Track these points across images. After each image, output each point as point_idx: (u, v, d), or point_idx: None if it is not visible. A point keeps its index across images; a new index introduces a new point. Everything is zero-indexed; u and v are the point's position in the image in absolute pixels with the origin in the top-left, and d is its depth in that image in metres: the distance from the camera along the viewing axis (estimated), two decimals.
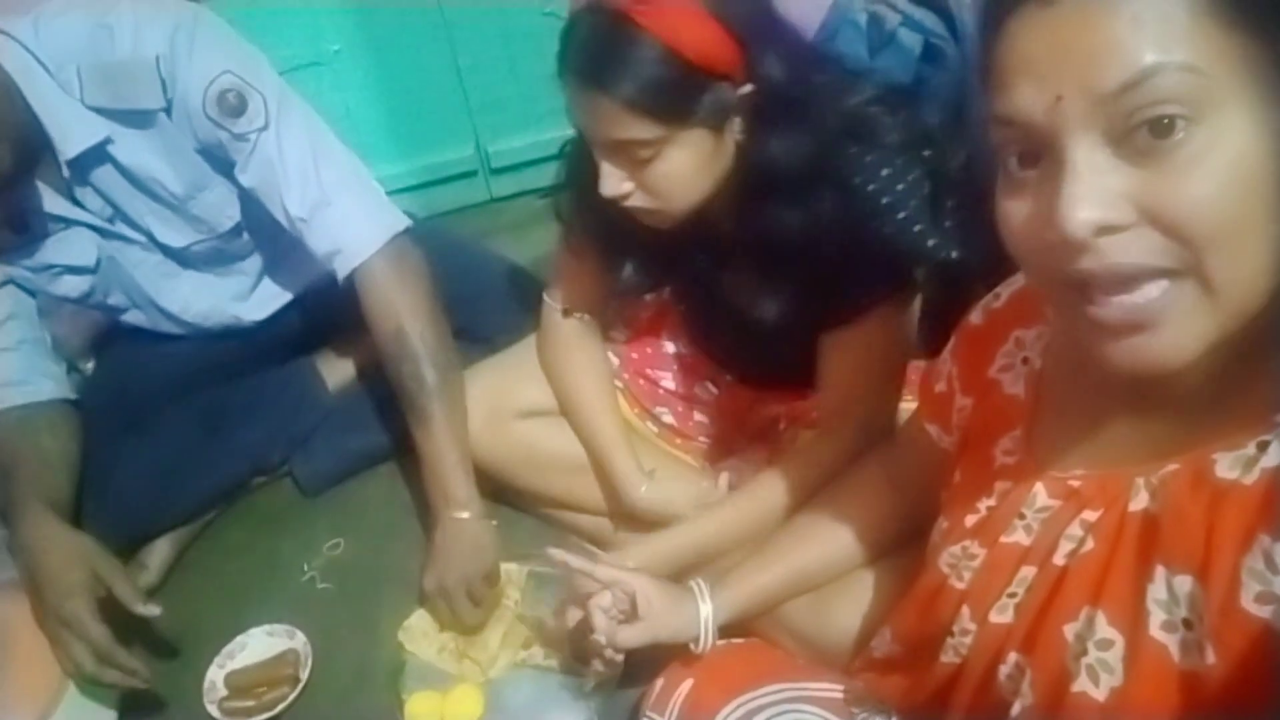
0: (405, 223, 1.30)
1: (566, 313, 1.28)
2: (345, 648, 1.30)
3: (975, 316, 0.79)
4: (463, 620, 1.22)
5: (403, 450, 1.56)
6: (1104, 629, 0.59)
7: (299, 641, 1.29)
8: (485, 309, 1.39)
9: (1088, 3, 0.48)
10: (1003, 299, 0.77)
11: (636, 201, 0.96)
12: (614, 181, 0.94)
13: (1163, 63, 0.46)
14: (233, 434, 1.53)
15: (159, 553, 1.46)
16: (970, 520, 0.73)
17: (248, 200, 1.32)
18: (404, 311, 1.25)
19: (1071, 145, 0.49)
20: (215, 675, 1.27)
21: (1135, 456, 0.61)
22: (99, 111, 1.18)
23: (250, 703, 1.23)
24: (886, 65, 1.60)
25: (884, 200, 0.95)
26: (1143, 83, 0.47)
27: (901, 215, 0.95)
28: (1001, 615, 0.68)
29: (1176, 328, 0.50)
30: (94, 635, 1.11)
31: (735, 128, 0.93)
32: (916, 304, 1.08)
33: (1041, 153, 0.51)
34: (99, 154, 1.21)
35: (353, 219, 1.27)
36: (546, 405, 1.32)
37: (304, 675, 1.26)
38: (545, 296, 1.30)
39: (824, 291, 0.99)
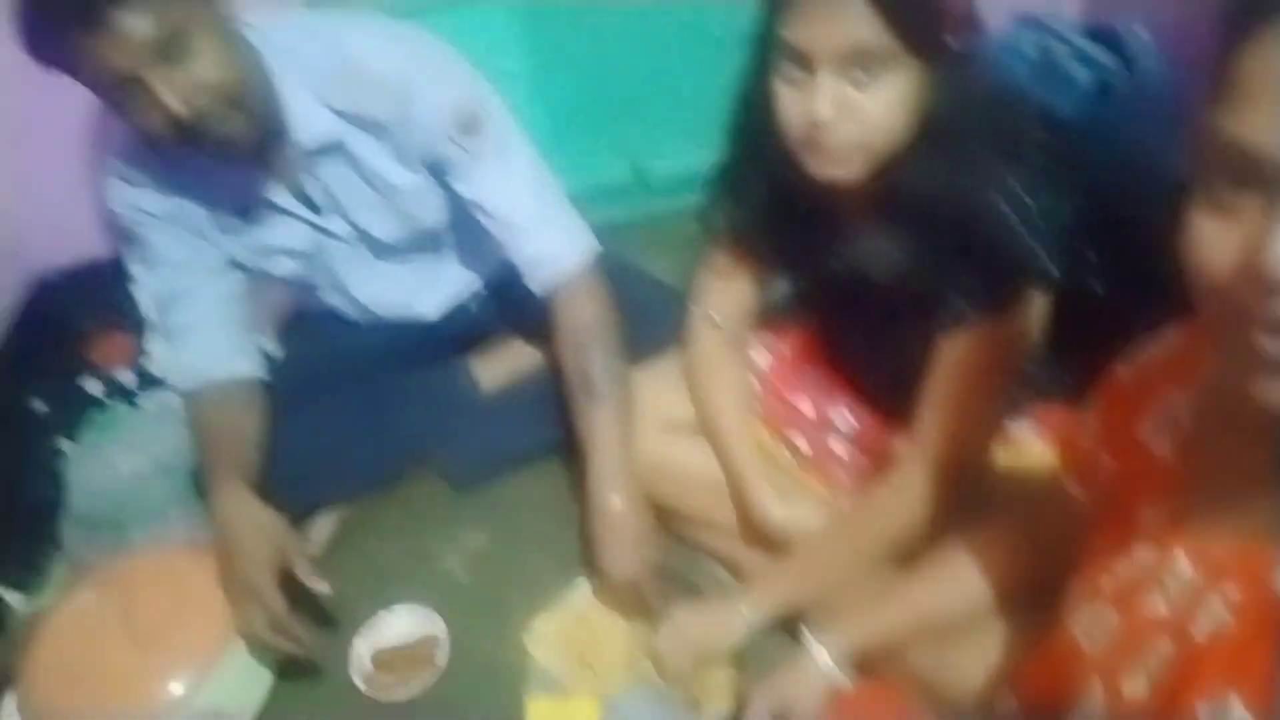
0: (597, 247, 1.42)
1: (711, 323, 1.31)
2: (476, 641, 1.37)
3: (1123, 372, 0.77)
4: (650, 609, 1.25)
5: (547, 454, 1.64)
6: (1239, 711, 0.57)
7: (439, 629, 1.37)
8: (633, 324, 1.44)
9: None
10: (1153, 356, 0.75)
11: (840, 133, 0.95)
12: (829, 101, 0.93)
13: None
14: (394, 422, 1.63)
15: (320, 528, 1.58)
16: (1107, 584, 0.71)
17: (455, 205, 1.44)
18: (595, 317, 1.36)
19: None
20: (362, 649, 1.36)
21: None
22: (339, 114, 1.30)
23: (392, 679, 1.31)
24: (1057, 100, 1.56)
25: (1015, 203, 0.96)
26: None
27: (1026, 227, 0.96)
28: (1133, 686, 0.66)
29: None
30: (273, 605, 1.23)
31: (932, 77, 0.95)
32: (1028, 335, 1.06)
33: (1258, 183, 0.48)
34: (333, 149, 1.33)
35: (561, 235, 1.39)
36: (687, 420, 1.35)
37: (443, 661, 1.33)
38: (692, 308, 1.34)
39: (946, 275, 1.01)
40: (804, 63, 0.94)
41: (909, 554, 1.10)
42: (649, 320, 1.47)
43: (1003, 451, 1.15)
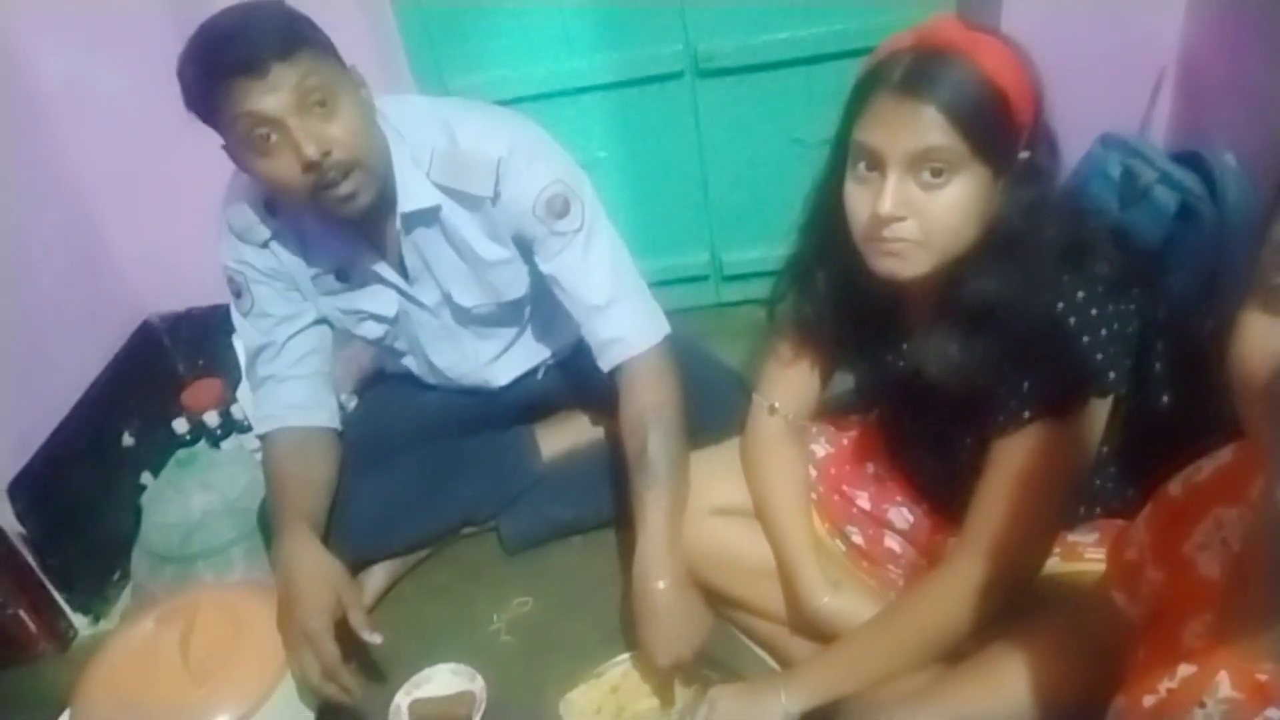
0: (667, 330, 1.47)
1: (772, 410, 1.32)
2: (514, 702, 1.38)
3: (1175, 487, 0.76)
4: (700, 685, 1.26)
5: (598, 526, 1.66)
6: None
7: (478, 685, 1.38)
8: (698, 405, 1.47)
9: None
10: (1205, 473, 0.74)
11: (906, 231, 0.99)
12: (896, 199, 0.97)
13: None
14: (454, 485, 1.68)
15: (374, 579, 1.62)
16: (1149, 701, 0.69)
17: (537, 281, 1.51)
18: (661, 397, 1.40)
19: None
20: (401, 700, 1.39)
21: None
22: (439, 186, 1.40)
23: None
24: (1137, 220, 1.56)
25: (1070, 315, 0.98)
26: None
27: (1088, 336, 0.97)
28: None
29: None
30: (327, 653, 1.27)
31: (1001, 186, 0.99)
32: (1089, 445, 1.04)
33: None
34: (429, 215, 1.43)
35: (635, 317, 1.45)
36: (740, 506, 1.35)
37: (476, 718, 1.34)
38: (754, 395, 1.36)
39: (1005, 378, 1.02)
40: (875, 162, 0.99)
41: (954, 653, 1.08)
42: (712, 403, 1.49)
43: (1060, 558, 1.13)
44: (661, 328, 1.47)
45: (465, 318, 1.57)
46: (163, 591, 1.65)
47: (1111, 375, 0.99)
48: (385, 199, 1.36)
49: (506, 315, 1.60)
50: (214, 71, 1.17)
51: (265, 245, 1.44)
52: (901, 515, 1.32)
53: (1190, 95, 1.70)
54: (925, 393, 1.12)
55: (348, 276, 1.49)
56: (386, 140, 1.35)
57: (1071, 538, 1.15)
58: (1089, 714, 0.79)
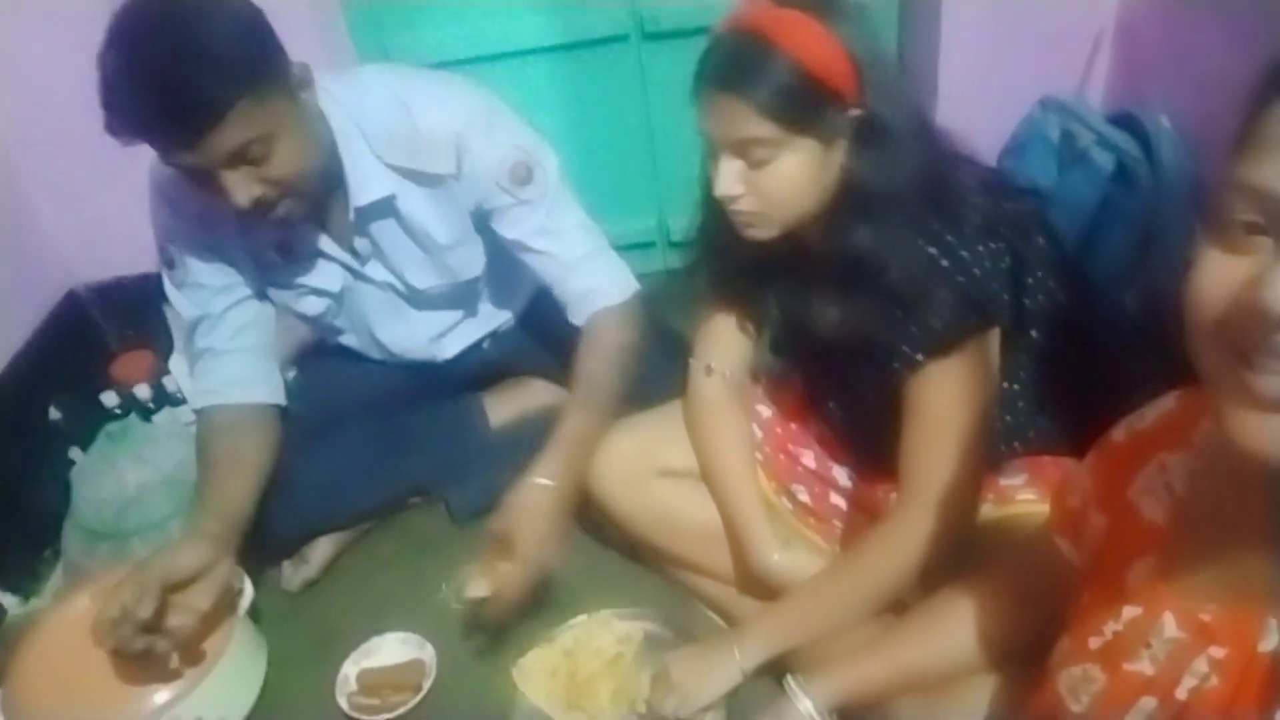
0: (637, 285, 1.49)
1: (709, 371, 1.33)
2: (465, 669, 1.37)
3: (1118, 434, 0.78)
4: (513, 583, 1.26)
5: None
6: None
7: (427, 653, 1.37)
8: (642, 370, 1.46)
9: None
10: (1149, 419, 0.76)
11: (746, 205, 1.05)
12: (730, 180, 1.03)
13: None
14: (401, 455, 1.66)
15: (320, 551, 1.59)
16: (1094, 643, 0.71)
17: (492, 255, 1.50)
18: (624, 340, 1.42)
19: None
20: (349, 670, 1.37)
21: (1270, 596, 0.59)
22: (395, 169, 1.36)
23: (375, 701, 1.32)
24: (1075, 181, 1.59)
25: (943, 258, 1.01)
26: None
27: (962, 275, 1.01)
28: None
29: None
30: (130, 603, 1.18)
31: (841, 148, 1.02)
32: (986, 374, 1.07)
33: (1270, 226, 0.50)
34: (384, 205, 1.39)
35: (606, 272, 1.46)
36: (686, 468, 1.36)
37: (426, 686, 1.33)
38: (690, 359, 1.36)
39: (888, 327, 1.05)
40: (712, 147, 1.05)
41: (902, 602, 1.10)
42: (653, 365, 1.49)
43: (994, 503, 1.15)
44: (633, 283, 1.48)
45: (418, 299, 1.54)
46: (97, 568, 1.60)
47: (994, 309, 1.03)
48: (334, 190, 1.32)
49: (461, 294, 1.57)
50: (132, 122, 1.10)
51: (199, 218, 1.38)
52: (845, 473, 1.33)
53: (1126, 58, 1.73)
54: (828, 347, 1.15)
55: (290, 250, 1.44)
56: (332, 138, 1.30)
57: (1003, 482, 1.17)
58: (1035, 657, 0.81)
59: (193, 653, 1.28)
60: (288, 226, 1.28)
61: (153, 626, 1.19)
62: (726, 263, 1.23)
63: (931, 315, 1.02)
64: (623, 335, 1.43)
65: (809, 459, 1.35)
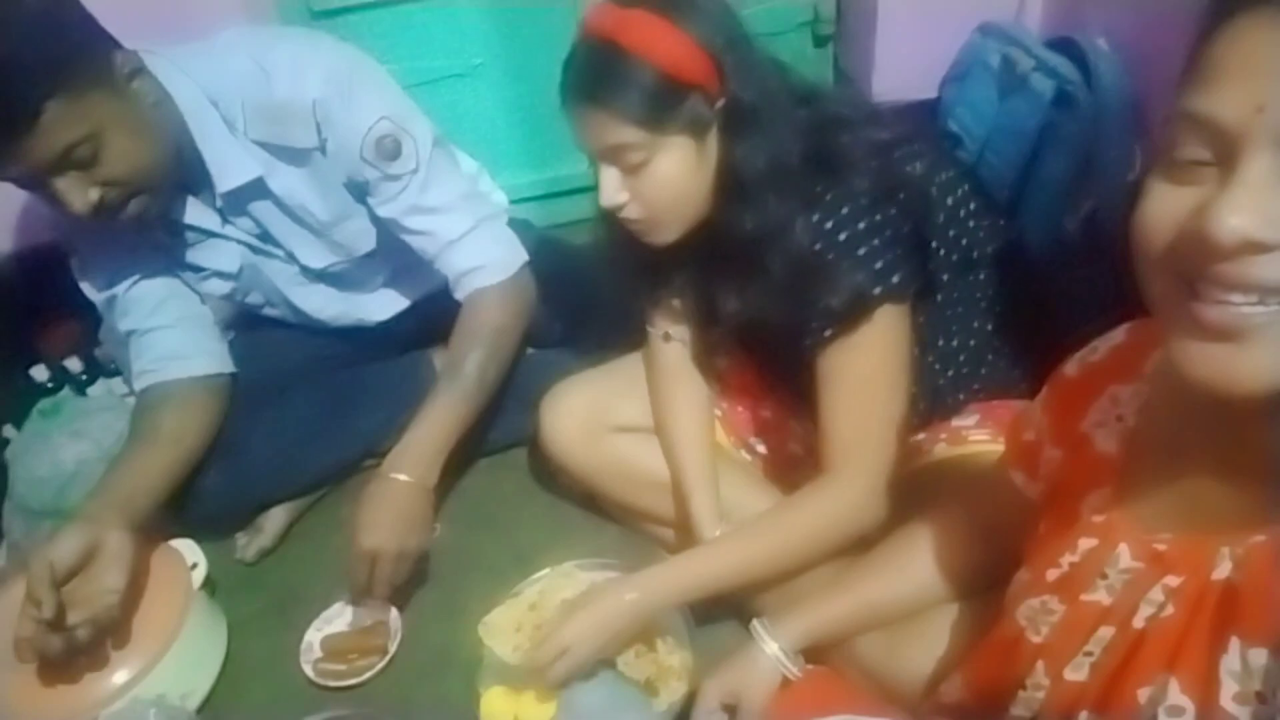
0: (525, 258, 1.43)
1: (667, 337, 1.31)
2: (430, 630, 1.36)
3: (1070, 368, 0.79)
4: (374, 591, 1.27)
5: (504, 447, 1.64)
6: (1176, 696, 0.59)
7: (391, 616, 1.36)
8: (593, 320, 1.44)
9: None
10: (1100, 352, 0.77)
11: (633, 213, 1.05)
12: (611, 190, 1.03)
13: None
14: (350, 417, 1.62)
15: (274, 520, 1.56)
16: (1052, 574, 0.72)
17: (384, 228, 1.43)
18: (505, 321, 1.40)
19: (1250, 157, 0.49)
20: (312, 637, 1.36)
21: (1223, 524, 0.60)
22: (260, 145, 1.28)
23: (341, 666, 1.30)
24: (1015, 108, 1.59)
25: (837, 232, 1.00)
26: None
27: (862, 248, 1.00)
28: (1076, 673, 0.68)
29: (1269, 349, 0.50)
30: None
31: (714, 138, 1.01)
32: (897, 343, 1.07)
33: (1215, 155, 0.51)
34: (254, 186, 1.31)
35: (487, 247, 1.41)
36: (642, 422, 1.35)
37: (392, 648, 1.32)
38: (647, 328, 1.34)
39: (794, 304, 1.05)
40: (591, 159, 1.05)
41: (864, 541, 1.11)
42: (603, 316, 1.47)
43: (947, 443, 1.17)
44: (520, 254, 1.43)
45: (322, 277, 1.49)
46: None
47: (895, 279, 1.02)
48: (194, 177, 1.26)
49: (365, 267, 1.51)
50: None
51: None
52: (803, 426, 1.34)
53: None
54: (743, 328, 1.15)
55: (178, 230, 1.37)
56: (180, 122, 1.23)
57: (955, 423, 1.19)
58: (993, 589, 0.83)
59: (141, 631, 1.25)
60: (147, 224, 1.22)
61: (60, 622, 1.14)
62: (632, 262, 1.21)
63: (829, 295, 1.01)
64: (498, 317, 1.39)
65: (767, 409, 1.35)
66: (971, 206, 1.14)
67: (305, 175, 1.33)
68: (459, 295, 1.42)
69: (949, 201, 1.10)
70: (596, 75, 0.98)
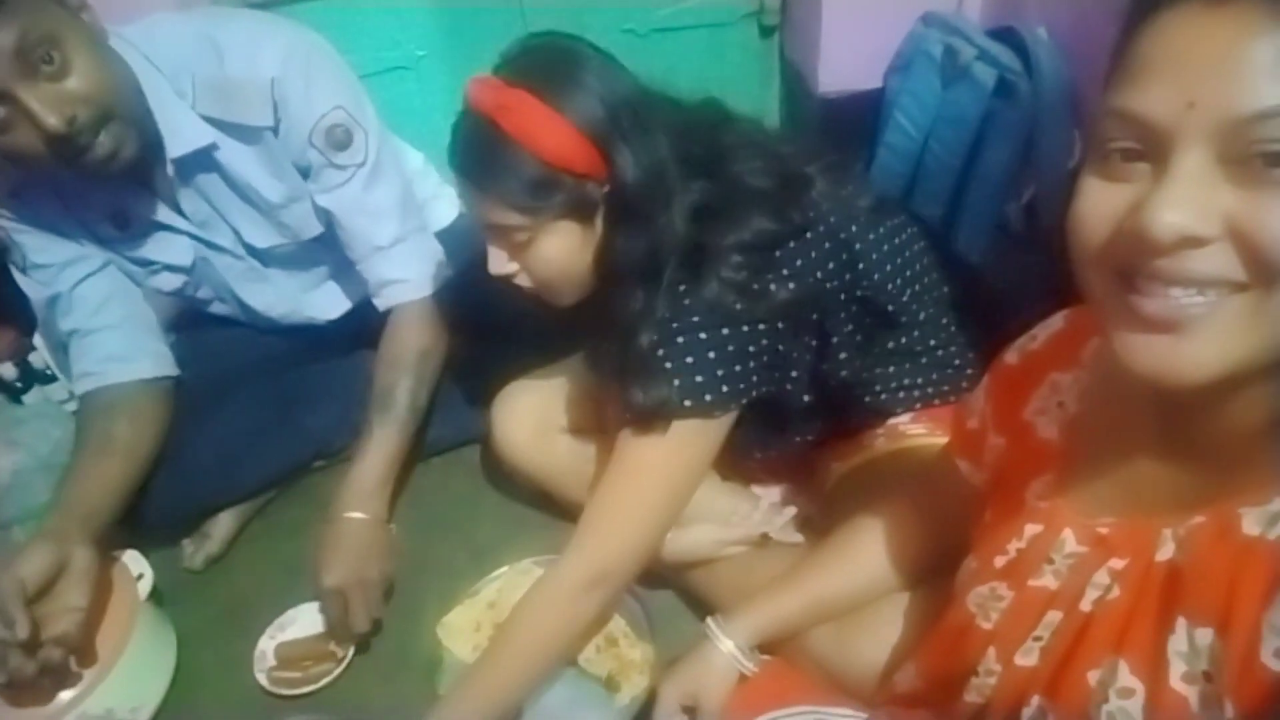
0: (447, 275, 1.44)
1: None
2: (387, 632, 1.35)
3: (1011, 356, 0.80)
4: (354, 625, 1.27)
5: (456, 445, 1.63)
6: (1126, 678, 0.60)
7: None
8: (537, 321, 1.42)
9: (1252, 20, 0.46)
10: (1039, 340, 0.78)
11: (521, 281, 1.05)
12: (498, 262, 1.03)
13: None
14: (298, 418, 1.59)
15: (222, 525, 1.53)
16: (999, 561, 0.73)
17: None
18: (428, 343, 1.41)
19: (1183, 152, 0.49)
20: (266, 645, 1.33)
21: (1164, 507, 0.62)
22: (210, 121, 1.25)
23: (296, 674, 1.28)
24: (957, 97, 1.61)
25: (677, 335, 1.00)
26: (1277, 117, 0.46)
27: (671, 362, 1.00)
28: (1027, 658, 0.68)
29: (1209, 339, 0.51)
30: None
31: (599, 217, 1.00)
32: (697, 459, 1.06)
33: (1147, 152, 0.51)
34: (204, 157, 1.28)
35: (411, 262, 1.41)
36: (587, 424, 1.36)
37: (349, 653, 1.30)
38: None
39: (618, 374, 1.04)
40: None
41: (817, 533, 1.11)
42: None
43: (885, 439, 1.18)
44: (444, 271, 1.44)
45: (267, 259, 1.46)
46: None
47: (707, 398, 1.00)
48: (151, 143, 1.22)
49: (311, 252, 1.48)
50: None
51: (16, 195, 1.27)
52: None
53: None
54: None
55: (126, 224, 1.34)
56: (138, 84, 1.19)
57: (891, 420, 1.19)
58: (942, 577, 0.84)
59: (92, 647, 1.22)
60: (118, 168, 1.16)
61: (35, 643, 1.11)
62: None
63: (639, 389, 1.00)
64: (420, 340, 1.40)
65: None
66: (907, 252, 1.14)
67: (255, 154, 1.30)
68: (379, 304, 1.43)
69: (878, 251, 1.10)
70: (478, 158, 0.97)
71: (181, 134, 1.24)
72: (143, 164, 1.22)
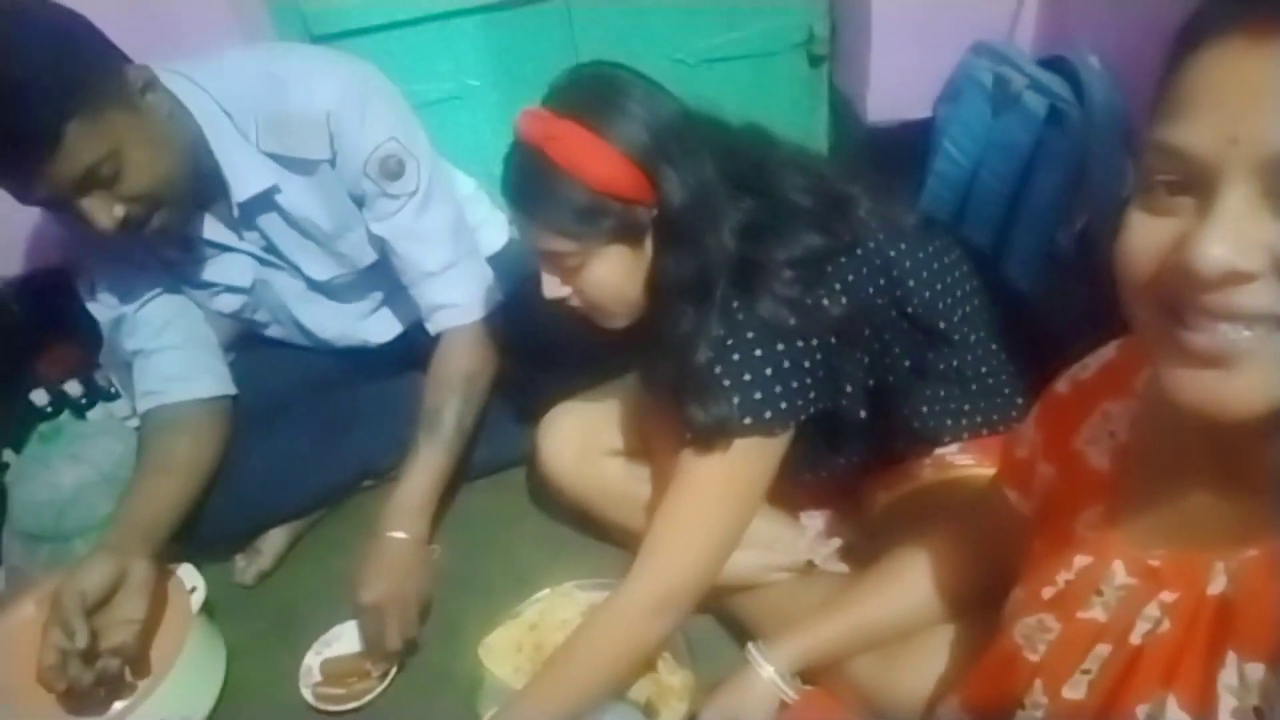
0: (499, 299, 1.46)
1: None
2: (429, 652, 1.36)
3: (1062, 385, 0.79)
4: (388, 643, 1.28)
5: (502, 467, 1.64)
6: (1175, 712, 0.58)
7: None
8: (584, 344, 1.44)
9: None
10: (1091, 370, 0.77)
11: (574, 303, 1.07)
12: (552, 287, 1.06)
13: None
14: (349, 438, 1.62)
15: (273, 541, 1.56)
16: (1047, 592, 0.72)
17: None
18: (477, 366, 1.43)
19: (1227, 188, 0.48)
20: (311, 660, 1.35)
21: (1216, 539, 0.60)
22: (271, 157, 1.30)
23: (340, 690, 1.30)
24: (1008, 126, 1.60)
25: (733, 352, 1.00)
26: None
27: (729, 380, 1.00)
28: (1074, 691, 0.67)
29: (1257, 374, 0.50)
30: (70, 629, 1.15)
31: (649, 241, 1.02)
32: (758, 477, 1.06)
33: (1191, 185, 0.50)
34: (266, 198, 1.33)
35: (463, 286, 1.43)
36: (632, 448, 1.37)
37: (392, 671, 1.32)
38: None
39: (677, 394, 1.04)
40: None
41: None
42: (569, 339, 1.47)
43: (932, 469, 1.17)
44: (494, 295, 1.46)
45: (322, 287, 1.50)
46: (39, 573, 1.55)
47: (767, 415, 1.00)
48: (212, 187, 1.28)
49: (369, 279, 1.52)
50: None
51: (85, 230, 1.32)
52: None
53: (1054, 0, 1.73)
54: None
55: (192, 246, 1.39)
56: (198, 132, 1.24)
57: (938, 451, 1.18)
58: (989, 608, 0.83)
59: (147, 658, 1.25)
60: (172, 238, 1.23)
61: (93, 653, 1.15)
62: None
63: (700, 408, 1.01)
64: (469, 363, 1.42)
65: None
66: (956, 273, 1.14)
67: (312, 186, 1.34)
68: (430, 328, 1.45)
69: (928, 269, 1.10)
70: (528, 188, 1.00)
71: (246, 178, 1.29)
72: (204, 204, 1.28)
